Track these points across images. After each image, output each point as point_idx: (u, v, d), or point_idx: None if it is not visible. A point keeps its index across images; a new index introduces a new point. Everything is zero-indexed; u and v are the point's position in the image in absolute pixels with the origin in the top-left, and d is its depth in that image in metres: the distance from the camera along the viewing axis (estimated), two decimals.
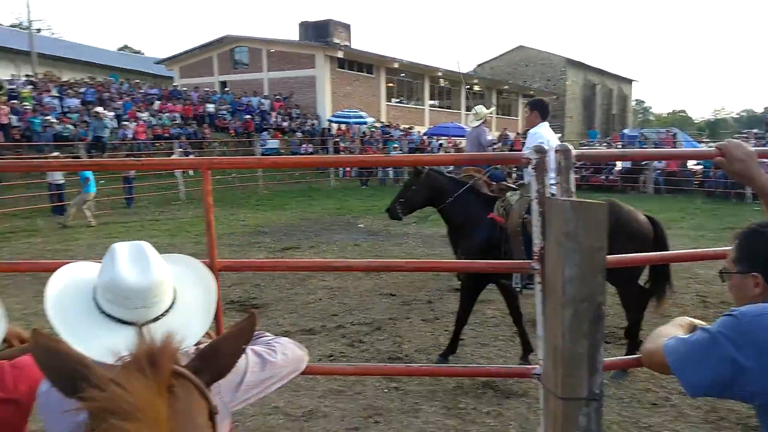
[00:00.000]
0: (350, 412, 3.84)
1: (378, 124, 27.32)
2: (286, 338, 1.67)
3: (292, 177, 19.76)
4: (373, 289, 6.83)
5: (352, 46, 30.12)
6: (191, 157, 16.84)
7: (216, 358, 1.10)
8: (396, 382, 4.24)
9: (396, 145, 23.15)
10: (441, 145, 24.79)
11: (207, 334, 1.49)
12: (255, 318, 1.17)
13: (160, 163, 2.88)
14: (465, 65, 51.05)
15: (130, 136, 18.92)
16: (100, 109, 18.70)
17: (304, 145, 22.71)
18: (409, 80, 33.97)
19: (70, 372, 1.00)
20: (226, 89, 28.62)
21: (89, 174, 11.24)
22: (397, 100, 33.70)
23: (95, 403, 0.87)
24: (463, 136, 26.18)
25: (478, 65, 49.88)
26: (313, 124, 26.96)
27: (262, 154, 20.09)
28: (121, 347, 1.16)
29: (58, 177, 12.68)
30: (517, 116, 42.24)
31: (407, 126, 28.14)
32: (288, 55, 29.07)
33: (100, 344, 1.22)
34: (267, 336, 1.67)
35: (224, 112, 24.65)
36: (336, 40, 28.98)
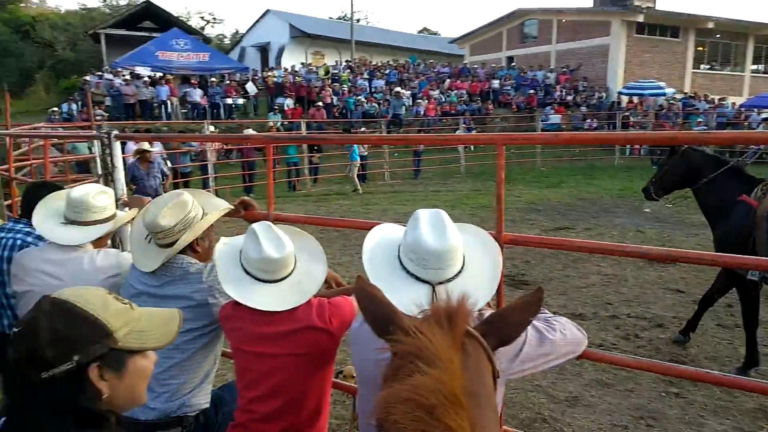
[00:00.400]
0: (619, 408, 3.62)
1: (679, 96, 23.88)
2: (565, 318, 1.67)
3: (571, 153, 18.88)
4: (656, 282, 6.17)
5: (656, 8, 26.72)
6: (476, 132, 17.55)
7: (503, 325, 1.16)
8: (677, 388, 3.82)
9: (700, 120, 19.94)
10: (766, 119, 20.38)
11: (487, 304, 1.58)
12: (542, 293, 1.21)
13: (460, 138, 3.08)
14: None
15: (422, 112, 20.67)
16: (399, 89, 20.87)
17: (588, 120, 21.37)
18: (725, 42, 28.58)
19: (383, 315, 1.17)
20: (513, 64, 28.69)
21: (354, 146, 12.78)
22: (707, 66, 28.74)
23: (402, 346, 0.98)
24: None
25: None
26: (600, 98, 25.09)
27: (542, 130, 19.68)
28: (418, 301, 1.35)
29: (362, 149, 14.72)
30: None
31: (718, 97, 23.86)
32: (580, 24, 27.42)
33: (401, 296, 1.38)
34: (547, 313, 1.70)
35: (508, 87, 24.82)
36: (637, 2, 26.08)
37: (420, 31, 51.77)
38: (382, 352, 1.45)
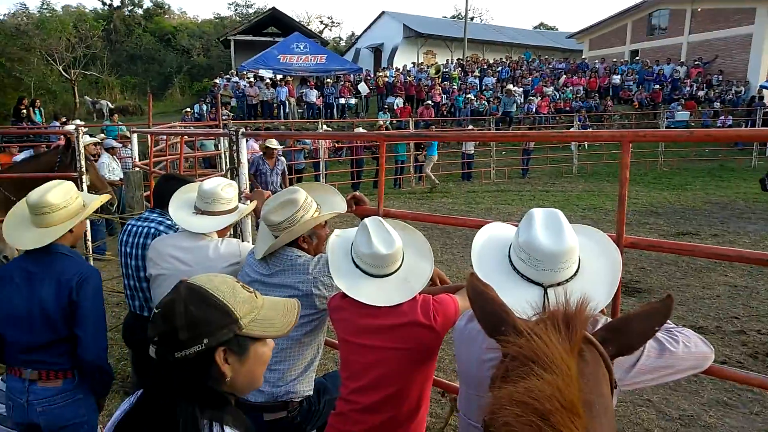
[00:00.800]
0: (742, 431, 3.30)
1: None
2: (691, 330, 1.55)
3: (699, 153, 17.25)
4: None
5: None
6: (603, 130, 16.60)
7: (625, 333, 1.09)
8: None
9: None
10: None
11: (601, 311, 1.49)
12: (672, 301, 1.13)
13: (581, 135, 2.96)
14: None
15: (533, 110, 20.00)
16: (511, 86, 20.37)
17: (721, 117, 19.39)
18: None
19: (495, 314, 1.14)
20: (637, 58, 26.81)
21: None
22: None
23: (515, 348, 0.96)
24: None
25: None
26: (738, 92, 22.64)
27: (667, 127, 18.16)
28: (529, 303, 1.31)
29: (470, 148, 14.58)
30: None
31: None
32: (718, 12, 24.92)
33: (510, 297, 1.30)
34: (670, 323, 1.55)
35: (630, 82, 23.24)
36: None
37: (536, 27, 50.05)
38: (487, 352, 1.44)
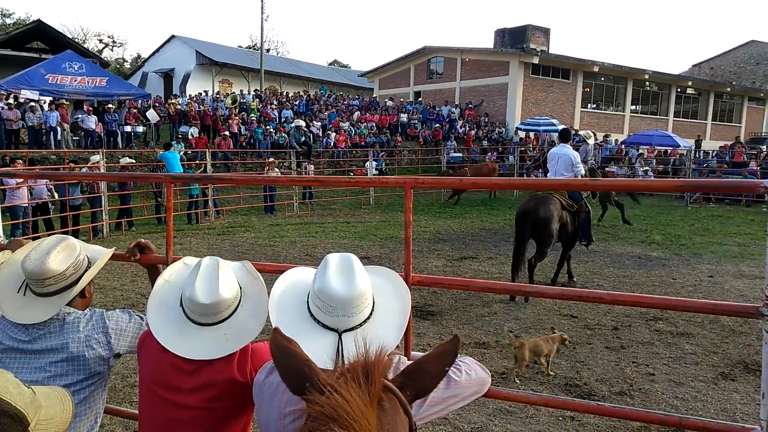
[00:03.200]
0: None
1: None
2: (470, 358, 1.66)
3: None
4: (552, 309, 6.51)
5: (550, 51, 29.06)
6: (384, 167, 17.86)
7: (420, 376, 1.13)
8: (572, 412, 3.99)
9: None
10: (641, 154, 22.57)
11: (397, 346, 1.54)
12: (459, 341, 1.19)
13: (369, 180, 3.09)
14: (677, 66, 45.51)
15: (332, 143, 20.78)
16: (299, 121, 20.83)
17: (489, 153, 22.57)
18: (609, 84, 31.58)
19: (299, 372, 1.12)
20: (420, 99, 29.81)
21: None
22: (594, 105, 31.58)
23: (317, 408, 0.94)
24: (671, 146, 23.54)
25: (694, 65, 44.32)
26: (500, 132, 26.66)
27: (447, 162, 20.47)
28: (324, 350, 1.31)
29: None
30: (740, 123, 36.57)
31: (603, 134, 26.22)
32: (482, 63, 29.18)
33: (308, 345, 1.30)
34: None
35: (415, 121, 25.70)
36: (533, 46, 28.25)
37: (330, 64, 52.56)
38: (288, 405, 1.40)
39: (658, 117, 33.41)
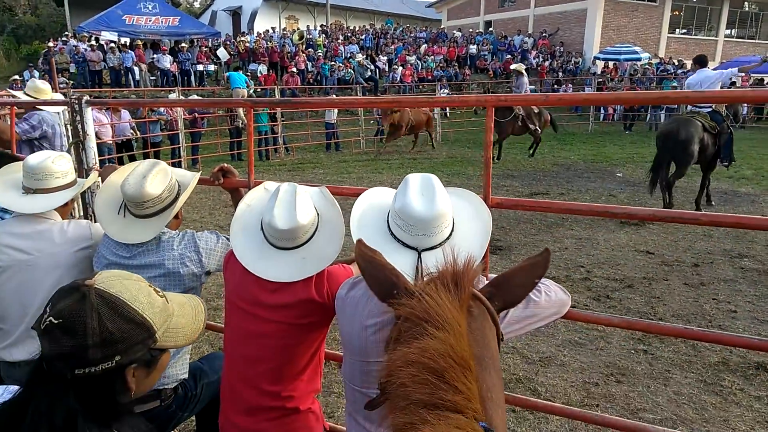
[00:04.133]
0: (590, 366, 3.71)
1: (654, 61, 24.01)
2: (550, 280, 1.65)
3: None
4: (627, 245, 6.29)
5: None
6: (469, 95, 17.39)
7: (509, 287, 1.13)
8: (645, 345, 3.93)
9: (674, 84, 20.14)
10: (733, 82, 20.67)
11: None
12: (549, 254, 1.18)
13: (449, 100, 3.02)
14: None
15: (398, 78, 20.41)
16: (360, 56, 20.46)
17: (563, 86, 21.40)
18: (702, 6, 28.65)
19: (386, 279, 1.15)
20: (490, 29, 28.42)
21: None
22: (683, 30, 28.89)
23: (408, 309, 0.97)
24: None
25: None
26: (576, 63, 25.10)
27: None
28: (403, 268, 1.32)
29: (332, 117, 14.50)
30: None
31: (685, 61, 24.11)
32: None
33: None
34: None
35: (485, 52, 24.64)
36: None
37: None
38: (369, 318, 1.47)
39: (757, 42, 30.21)
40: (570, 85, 21.63)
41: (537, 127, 12.27)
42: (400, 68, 20.84)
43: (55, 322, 1.00)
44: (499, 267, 5.56)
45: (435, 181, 1.52)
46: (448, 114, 18.01)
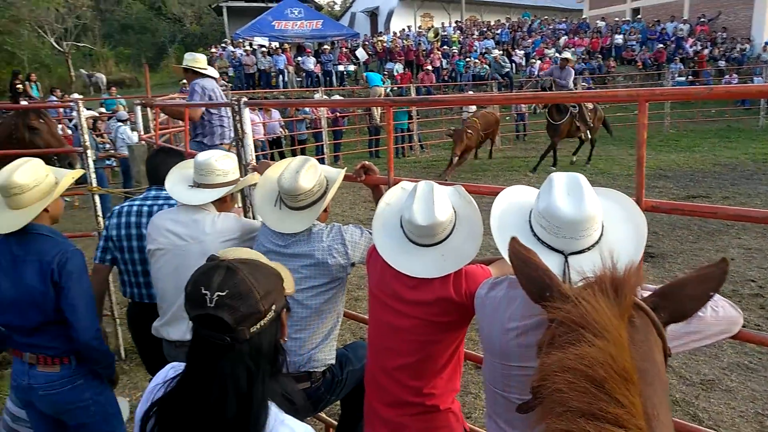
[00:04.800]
0: (764, 395, 3.32)
1: None
2: (718, 295, 1.52)
3: (705, 114, 17.04)
4: None
5: None
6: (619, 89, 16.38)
7: (677, 299, 1.05)
8: None
9: None
10: None
11: None
12: (727, 265, 1.08)
13: (596, 95, 2.88)
14: None
15: (535, 73, 19.69)
16: (497, 52, 19.95)
17: (726, 76, 19.12)
18: None
19: (539, 279, 1.13)
20: (638, 17, 26.30)
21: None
22: None
23: (563, 313, 0.94)
24: None
25: None
26: (743, 50, 22.28)
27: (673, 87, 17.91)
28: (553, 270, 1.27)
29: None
30: None
31: None
32: None
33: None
34: None
35: (633, 42, 22.84)
36: None
37: None
38: (510, 321, 1.45)
39: None
40: (735, 75, 19.27)
41: (591, 127, 10.80)
42: (538, 62, 20.08)
43: (223, 294, 1.13)
44: (652, 276, 5.15)
45: (582, 181, 1.43)
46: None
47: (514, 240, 1.25)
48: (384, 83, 14.43)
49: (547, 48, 21.69)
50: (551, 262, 1.37)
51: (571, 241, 1.39)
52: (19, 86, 12.52)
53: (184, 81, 17.24)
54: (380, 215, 1.99)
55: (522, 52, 21.45)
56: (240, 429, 1.12)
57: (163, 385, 1.26)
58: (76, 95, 10.80)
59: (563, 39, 23.12)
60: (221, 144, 5.40)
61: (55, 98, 12.61)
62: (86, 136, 4.43)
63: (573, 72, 11.10)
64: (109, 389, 2.42)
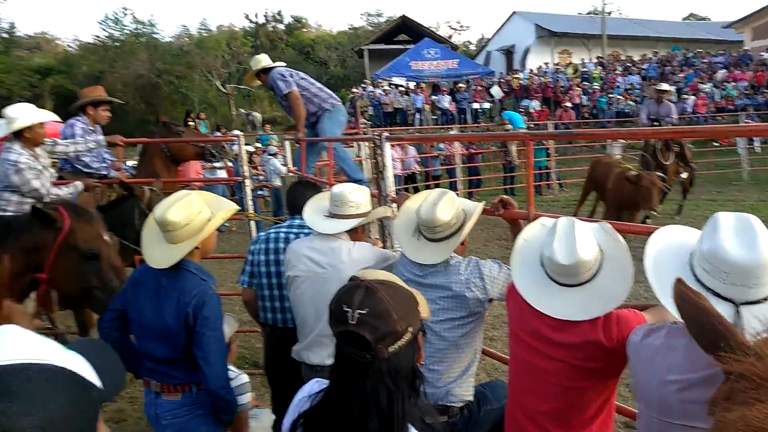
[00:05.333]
0: None
1: None
2: None
3: None
4: None
5: None
6: None
7: None
8: None
9: None
10: None
11: None
12: None
13: (764, 129, 2.62)
14: None
15: (689, 109, 18.21)
16: (665, 85, 18.65)
17: None
18: None
19: (712, 328, 1.03)
20: None
21: None
22: None
23: (745, 366, 0.86)
24: None
25: None
26: None
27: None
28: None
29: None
30: None
31: None
32: None
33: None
34: None
35: None
36: None
37: (686, 18, 45.71)
38: (670, 373, 1.33)
39: None
40: None
41: (692, 168, 9.28)
42: (692, 98, 18.55)
43: (364, 312, 1.18)
44: None
45: (754, 222, 1.28)
46: (757, 148, 15.28)
47: (680, 282, 1.14)
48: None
49: (701, 83, 20.02)
50: (720, 311, 1.25)
51: (742, 289, 1.25)
52: (191, 123, 14.30)
53: None
54: (519, 252, 1.93)
55: (673, 87, 19.96)
56: None
57: (308, 398, 1.32)
58: (236, 132, 12.06)
59: (721, 72, 21.18)
60: (332, 104, 5.42)
61: (219, 134, 14.18)
62: (245, 167, 4.88)
63: (673, 106, 9.85)
64: (220, 428, 2.42)
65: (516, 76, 21.80)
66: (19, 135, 3.65)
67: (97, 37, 30.44)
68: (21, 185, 3.60)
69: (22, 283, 2.74)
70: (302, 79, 5.38)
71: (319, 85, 5.50)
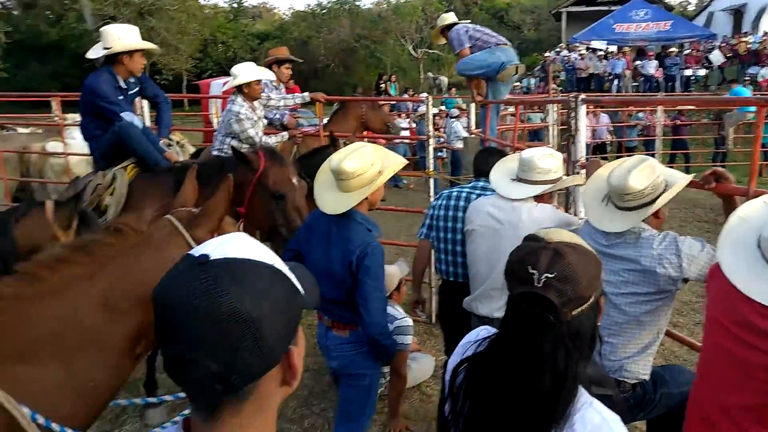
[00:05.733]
0: None
1: None
2: None
3: None
4: None
5: None
6: None
7: None
8: None
9: None
10: None
11: None
12: None
13: None
14: None
15: None
16: None
17: None
18: None
19: None
20: None
21: None
22: None
23: None
24: None
25: None
26: None
27: None
28: None
29: None
30: None
31: None
32: None
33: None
34: None
35: None
36: None
37: None
38: None
39: None
40: None
41: None
42: None
43: (552, 276, 1.15)
44: None
45: None
46: None
47: None
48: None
49: None
50: None
51: None
52: (382, 85, 15.07)
53: (516, 83, 17.99)
54: (731, 231, 1.71)
55: None
56: (549, 404, 1.14)
57: (474, 343, 1.34)
58: (424, 94, 12.39)
59: None
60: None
61: (407, 96, 14.74)
62: (430, 127, 5.04)
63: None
64: (379, 368, 2.57)
65: (744, 39, 18.63)
66: (240, 90, 4.24)
67: (308, 5, 33.41)
68: (239, 132, 4.17)
69: (231, 212, 3.25)
70: (477, 31, 5.42)
71: (496, 37, 5.44)
